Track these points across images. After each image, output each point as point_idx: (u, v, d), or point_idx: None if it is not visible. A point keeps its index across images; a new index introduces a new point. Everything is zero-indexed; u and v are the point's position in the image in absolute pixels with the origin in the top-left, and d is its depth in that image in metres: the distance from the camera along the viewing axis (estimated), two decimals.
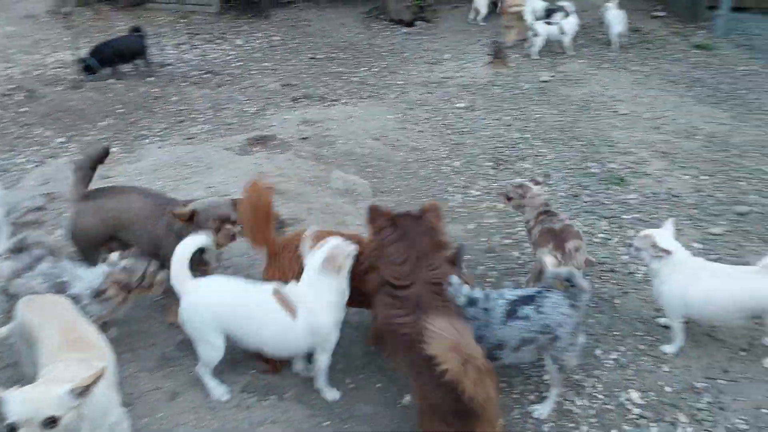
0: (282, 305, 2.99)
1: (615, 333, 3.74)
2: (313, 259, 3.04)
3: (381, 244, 3.05)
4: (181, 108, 7.30)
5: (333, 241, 3.09)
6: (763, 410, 3.18)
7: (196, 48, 9.85)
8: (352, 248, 3.10)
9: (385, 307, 2.95)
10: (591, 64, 8.58)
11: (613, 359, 3.56)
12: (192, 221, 3.38)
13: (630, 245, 3.63)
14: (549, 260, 3.43)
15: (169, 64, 8.93)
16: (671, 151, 5.91)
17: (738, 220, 4.78)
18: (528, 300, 2.99)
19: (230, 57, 9.47)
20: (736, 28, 9.78)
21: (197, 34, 10.44)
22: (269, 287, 3.09)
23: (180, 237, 3.27)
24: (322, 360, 3.12)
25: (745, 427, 3.09)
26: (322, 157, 5.71)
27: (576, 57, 8.87)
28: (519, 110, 6.97)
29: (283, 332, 3.02)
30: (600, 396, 3.33)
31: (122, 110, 7.15)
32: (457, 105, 7.21)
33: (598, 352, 3.60)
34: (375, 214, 3.15)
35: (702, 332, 3.68)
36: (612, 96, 7.34)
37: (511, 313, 2.97)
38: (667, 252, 3.37)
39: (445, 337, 2.47)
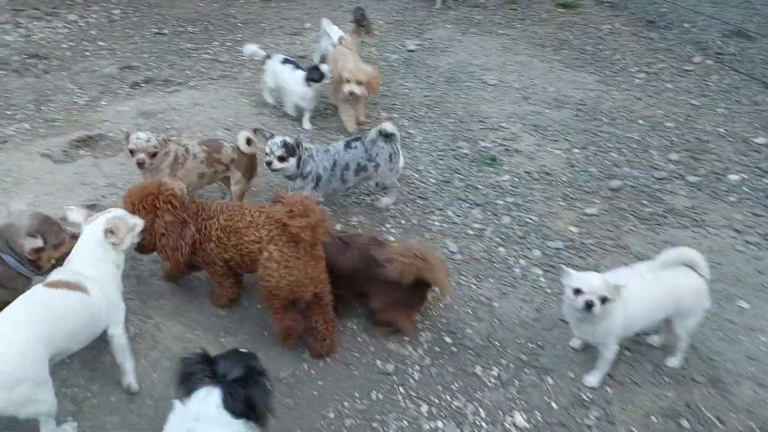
0: (70, 288, 2.68)
1: (495, 343, 3.40)
2: (93, 229, 2.85)
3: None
4: None
5: (116, 212, 2.94)
6: (653, 418, 2.96)
7: (20, 27, 8.44)
8: (137, 221, 2.99)
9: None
10: (458, 29, 8.21)
11: (495, 376, 3.22)
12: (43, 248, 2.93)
13: (591, 305, 2.78)
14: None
15: None
16: (542, 123, 5.65)
17: (612, 197, 4.59)
18: (356, 140, 4.24)
19: (60, 36, 8.19)
20: None
21: (23, 9, 8.93)
22: (38, 287, 2.70)
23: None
24: (118, 334, 2.88)
25: None
26: None
27: (443, 21, 8.46)
28: (385, 85, 6.44)
29: (87, 314, 2.71)
30: (483, 424, 2.98)
31: None
32: None
33: (477, 369, 3.25)
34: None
35: None
36: (480, 65, 6.99)
37: (347, 146, 4.22)
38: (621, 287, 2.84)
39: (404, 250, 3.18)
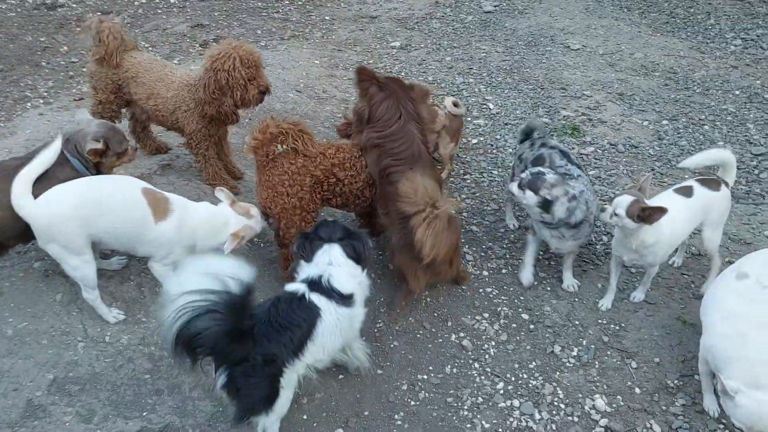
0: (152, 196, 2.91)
1: (575, 322, 3.25)
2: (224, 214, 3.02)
3: (370, 103, 3.14)
4: (73, 60, 6.25)
5: (253, 221, 3.04)
6: None
7: None
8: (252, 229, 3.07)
9: (380, 162, 3.12)
10: None
11: (574, 356, 3.08)
12: (106, 152, 3.03)
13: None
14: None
15: (60, 6, 7.71)
16: (628, 92, 5.31)
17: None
18: None
19: None
20: None
21: None
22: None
23: None
24: (154, 267, 3.02)
25: None
26: None
27: None
28: (461, 48, 6.21)
29: (137, 223, 2.89)
30: (561, 405, 2.86)
31: (2, 66, 6.07)
32: (392, 44, 6.39)
33: (556, 349, 3.12)
34: (362, 75, 3.21)
35: (672, 315, 3.23)
36: (562, 28, 6.63)
37: None
38: None
39: (413, 191, 2.83)
